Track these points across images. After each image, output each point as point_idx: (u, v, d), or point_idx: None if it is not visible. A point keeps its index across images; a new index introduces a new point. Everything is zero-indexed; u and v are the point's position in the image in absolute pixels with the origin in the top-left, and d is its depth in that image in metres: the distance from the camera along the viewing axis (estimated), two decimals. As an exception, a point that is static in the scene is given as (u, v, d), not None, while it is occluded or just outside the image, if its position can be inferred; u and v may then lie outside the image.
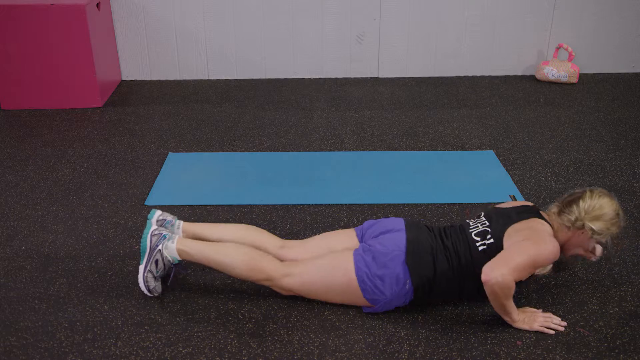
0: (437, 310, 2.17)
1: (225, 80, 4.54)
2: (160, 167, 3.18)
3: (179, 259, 2.18)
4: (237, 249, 2.18)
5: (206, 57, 4.49)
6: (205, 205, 2.82)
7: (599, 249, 2.21)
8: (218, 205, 2.82)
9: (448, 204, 2.83)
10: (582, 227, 2.08)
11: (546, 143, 3.47)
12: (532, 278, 2.22)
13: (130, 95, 4.24)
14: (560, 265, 2.35)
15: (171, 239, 2.18)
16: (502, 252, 2.02)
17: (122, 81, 4.50)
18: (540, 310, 2.15)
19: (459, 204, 2.83)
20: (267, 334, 2.07)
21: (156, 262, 2.17)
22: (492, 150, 3.37)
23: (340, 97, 4.18)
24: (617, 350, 2.00)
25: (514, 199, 2.86)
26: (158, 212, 2.29)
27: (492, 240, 2.08)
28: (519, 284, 2.04)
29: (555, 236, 2.10)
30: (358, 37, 4.47)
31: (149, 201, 2.86)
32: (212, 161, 3.27)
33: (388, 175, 3.12)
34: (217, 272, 2.36)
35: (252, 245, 2.23)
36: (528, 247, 1.99)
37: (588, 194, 2.11)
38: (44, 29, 3.75)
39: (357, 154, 3.36)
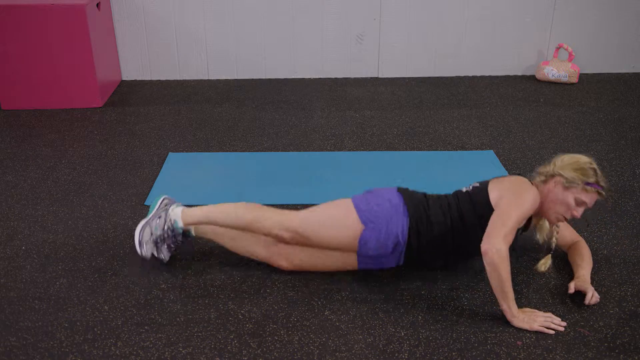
0: (437, 310, 2.17)
1: (226, 80, 4.54)
2: (161, 167, 3.18)
3: (181, 225, 2.30)
4: (237, 206, 2.30)
5: (206, 57, 4.49)
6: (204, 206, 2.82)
7: (579, 204, 2.17)
8: (218, 205, 2.82)
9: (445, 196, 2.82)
10: (555, 175, 2.16)
11: (546, 143, 3.47)
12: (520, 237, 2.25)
13: (131, 95, 4.24)
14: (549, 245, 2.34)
15: (179, 206, 2.34)
16: (490, 221, 2.08)
17: (122, 81, 4.50)
18: (540, 311, 2.15)
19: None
20: (267, 334, 2.07)
21: (159, 217, 2.30)
22: (492, 150, 3.37)
23: (341, 97, 4.18)
24: (617, 350, 2.00)
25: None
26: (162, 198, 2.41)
27: (476, 185, 2.23)
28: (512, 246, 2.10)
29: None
30: (358, 37, 4.47)
31: (149, 201, 2.86)
32: (212, 161, 3.27)
33: (388, 175, 3.12)
34: (216, 272, 2.36)
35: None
36: (511, 205, 2.09)
37: (564, 154, 2.24)
38: (44, 29, 3.75)
39: (357, 154, 3.36)
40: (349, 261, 2.28)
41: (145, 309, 2.18)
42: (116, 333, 2.07)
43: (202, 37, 4.42)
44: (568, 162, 2.19)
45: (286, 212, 2.28)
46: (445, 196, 2.27)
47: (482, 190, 2.20)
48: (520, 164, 3.22)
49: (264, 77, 4.57)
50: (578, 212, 2.18)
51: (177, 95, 4.24)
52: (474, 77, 4.59)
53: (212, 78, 4.56)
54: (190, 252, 2.48)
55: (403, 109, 3.97)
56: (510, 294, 2.05)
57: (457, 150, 3.38)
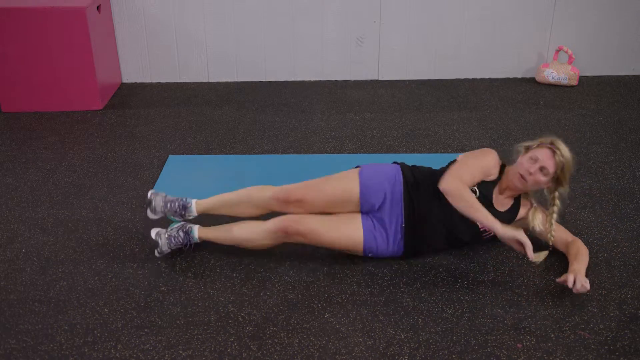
0: (437, 312, 2.17)
1: (226, 82, 4.54)
2: (161, 170, 3.18)
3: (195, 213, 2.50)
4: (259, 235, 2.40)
5: (206, 59, 4.49)
6: (205, 208, 2.82)
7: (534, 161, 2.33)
8: (218, 208, 2.82)
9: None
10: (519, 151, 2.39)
11: (546, 145, 3.47)
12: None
13: (131, 97, 4.24)
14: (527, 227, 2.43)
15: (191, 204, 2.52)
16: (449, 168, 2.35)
17: (123, 83, 4.50)
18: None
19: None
20: (267, 336, 2.07)
21: (172, 201, 2.50)
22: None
23: (341, 100, 4.19)
24: (617, 353, 2.00)
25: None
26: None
27: (444, 166, 2.43)
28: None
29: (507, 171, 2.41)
30: (358, 39, 4.47)
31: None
32: (212, 164, 3.27)
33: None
34: (216, 274, 2.37)
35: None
36: (468, 157, 2.40)
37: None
38: (45, 32, 3.76)
39: (358, 156, 3.36)
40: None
41: (145, 311, 2.18)
42: (116, 336, 2.07)
43: (202, 39, 4.43)
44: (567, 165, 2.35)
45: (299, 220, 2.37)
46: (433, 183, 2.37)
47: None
48: (520, 166, 3.22)
49: (264, 80, 4.57)
50: (532, 167, 2.31)
51: (177, 97, 4.25)
52: (473, 79, 4.59)
53: (212, 80, 4.56)
54: (190, 253, 2.48)
55: (403, 111, 3.97)
56: (484, 211, 2.20)
57: (457, 152, 3.38)
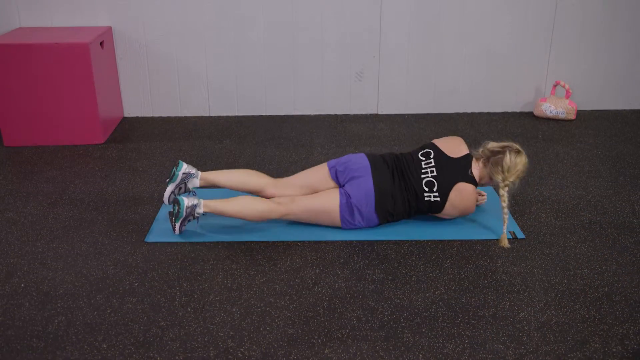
0: (437, 348, 2.15)
1: (226, 116, 4.58)
2: (161, 204, 3.19)
3: (203, 211, 2.83)
4: (243, 203, 2.84)
5: (207, 93, 4.54)
6: (205, 242, 2.82)
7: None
8: (218, 242, 2.82)
9: (448, 241, 2.83)
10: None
11: (545, 179, 3.49)
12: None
13: (132, 131, 4.27)
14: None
15: (196, 176, 2.99)
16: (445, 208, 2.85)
17: (124, 118, 4.54)
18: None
19: (459, 240, 2.83)
20: (266, 373, 2.05)
21: (180, 188, 2.97)
22: (491, 187, 3.38)
23: (341, 134, 4.22)
24: (620, 390, 1.97)
25: (514, 235, 2.86)
26: (184, 165, 2.98)
27: (437, 199, 2.83)
28: None
29: (479, 183, 2.89)
30: (358, 74, 4.53)
31: (149, 238, 2.86)
32: (212, 197, 3.27)
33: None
34: (215, 309, 2.35)
35: (253, 189, 3.00)
36: (461, 208, 2.86)
37: (507, 153, 2.82)
38: (49, 67, 3.80)
39: (357, 190, 3.36)
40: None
41: (144, 347, 2.16)
42: (114, 372, 2.05)
43: (204, 74, 4.48)
44: (512, 169, 2.79)
45: (279, 202, 2.86)
46: (409, 202, 2.86)
47: (439, 205, 2.85)
48: (520, 200, 3.23)
49: (264, 114, 4.61)
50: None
51: (178, 131, 4.28)
52: (472, 113, 4.63)
53: (213, 115, 4.60)
54: (189, 287, 2.48)
55: (403, 145, 3.99)
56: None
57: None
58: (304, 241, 2.83)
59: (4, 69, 3.78)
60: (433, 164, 2.87)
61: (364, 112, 4.63)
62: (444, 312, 2.34)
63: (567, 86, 4.45)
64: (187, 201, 2.79)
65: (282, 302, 2.40)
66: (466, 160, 2.88)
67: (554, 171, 3.60)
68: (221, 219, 3.03)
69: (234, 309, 2.36)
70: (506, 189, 2.79)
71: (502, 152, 2.83)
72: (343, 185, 2.90)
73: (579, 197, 3.27)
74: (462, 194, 2.83)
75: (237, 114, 4.60)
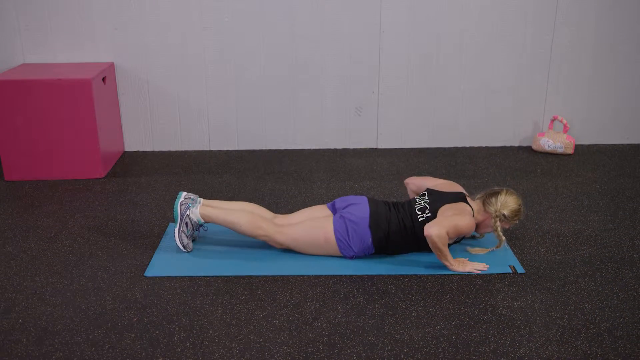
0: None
1: (227, 151, 4.61)
2: (161, 238, 3.19)
3: (203, 221, 2.97)
4: (242, 213, 2.97)
5: (208, 128, 4.58)
6: (204, 277, 2.81)
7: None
8: (217, 277, 2.81)
9: (448, 275, 2.82)
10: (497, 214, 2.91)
11: (544, 213, 3.49)
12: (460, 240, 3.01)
13: (133, 166, 4.29)
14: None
15: (195, 206, 2.97)
16: (437, 217, 2.85)
17: (125, 152, 4.57)
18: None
19: (459, 275, 2.82)
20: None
21: (186, 224, 2.97)
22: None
23: (340, 168, 4.24)
24: None
25: (514, 270, 2.86)
26: (184, 194, 3.02)
27: (429, 215, 2.90)
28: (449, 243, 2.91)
29: (475, 216, 2.93)
30: (357, 109, 4.57)
31: (149, 272, 2.85)
32: (212, 232, 3.27)
33: (388, 246, 3.12)
34: (214, 344, 2.33)
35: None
36: (454, 217, 2.82)
37: (504, 191, 2.96)
38: (51, 102, 3.84)
39: (357, 224, 3.37)
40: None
41: (142, 384, 2.14)
42: (111, 409, 2.02)
43: (204, 108, 4.52)
44: (506, 204, 2.90)
45: (279, 225, 2.95)
46: (404, 224, 2.91)
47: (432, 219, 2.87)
48: (519, 234, 3.23)
49: (264, 148, 4.64)
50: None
51: (178, 165, 4.30)
52: (471, 147, 4.66)
53: (213, 149, 4.63)
54: (188, 323, 2.46)
55: (402, 179, 4.00)
56: (448, 256, 2.83)
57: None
58: (303, 275, 2.82)
59: (7, 104, 3.82)
60: (426, 196, 3.01)
61: (363, 147, 4.66)
62: (445, 348, 2.32)
63: (564, 121, 4.49)
64: (181, 198, 2.98)
65: (282, 338, 2.38)
66: (461, 194, 3.01)
67: (553, 205, 3.61)
68: (220, 252, 3.03)
69: (233, 345, 2.34)
70: (497, 220, 2.90)
71: (498, 191, 2.98)
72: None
73: (579, 232, 3.27)
74: (453, 206, 2.90)
75: (237, 149, 4.63)
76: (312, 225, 2.93)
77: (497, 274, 2.83)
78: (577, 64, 4.52)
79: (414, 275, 2.83)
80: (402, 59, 4.46)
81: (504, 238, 2.91)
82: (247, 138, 4.62)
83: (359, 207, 2.93)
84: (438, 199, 2.95)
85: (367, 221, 2.88)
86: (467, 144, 4.69)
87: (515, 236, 3.21)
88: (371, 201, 2.98)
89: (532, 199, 3.69)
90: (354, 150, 4.62)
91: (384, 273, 2.84)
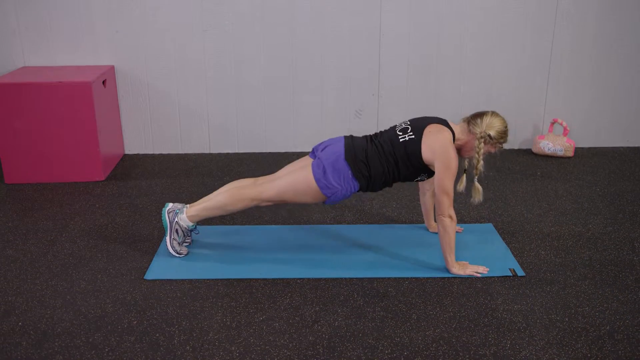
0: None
1: (227, 153, 4.61)
2: (161, 241, 3.19)
3: (191, 223, 2.97)
4: (220, 193, 2.96)
5: (208, 131, 4.58)
6: (204, 280, 2.81)
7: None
8: (217, 280, 2.81)
9: (448, 278, 2.82)
10: (483, 134, 2.81)
11: (545, 216, 3.49)
12: None
13: (133, 168, 4.29)
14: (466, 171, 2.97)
15: (181, 212, 2.97)
16: (436, 195, 2.79)
17: (125, 155, 4.57)
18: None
19: (459, 277, 2.82)
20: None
21: (176, 231, 2.98)
22: (491, 224, 3.39)
23: (340, 171, 4.23)
24: None
25: (514, 273, 2.86)
26: (170, 204, 3.02)
27: (412, 136, 2.82)
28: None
29: (458, 138, 2.86)
30: (357, 111, 4.57)
31: (149, 275, 2.85)
32: (212, 234, 3.27)
33: (388, 248, 3.12)
34: (215, 347, 2.33)
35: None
36: (445, 173, 2.75)
37: (489, 112, 2.87)
38: (51, 105, 3.85)
39: (357, 227, 3.37)
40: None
41: (142, 387, 2.14)
42: (111, 413, 2.02)
43: (205, 112, 4.53)
44: (492, 125, 2.81)
45: (260, 184, 2.92)
46: (382, 147, 2.83)
47: (415, 144, 2.80)
48: (519, 237, 3.23)
49: (264, 151, 4.64)
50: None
51: (178, 168, 4.30)
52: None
53: (214, 152, 4.63)
54: (188, 325, 2.46)
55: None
56: (454, 249, 2.81)
57: (456, 223, 3.39)
58: (303, 278, 2.82)
59: (7, 108, 3.82)
60: (407, 121, 2.94)
61: (363, 149, 4.66)
62: (445, 351, 2.32)
63: (564, 124, 4.49)
64: (168, 207, 2.99)
65: (282, 341, 2.38)
66: (444, 120, 2.93)
67: (553, 208, 3.61)
68: (220, 255, 3.03)
69: (233, 348, 2.34)
70: (482, 140, 2.81)
71: (483, 112, 2.89)
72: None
73: (579, 234, 3.27)
74: (437, 133, 2.80)
75: (237, 151, 4.63)
76: (293, 175, 2.88)
77: (497, 276, 2.83)
78: (577, 66, 4.53)
79: (414, 278, 2.83)
80: (402, 61, 4.46)
81: (482, 163, 2.83)
82: (247, 141, 4.62)
83: (335, 146, 2.88)
84: (420, 121, 2.89)
85: (342, 155, 2.81)
86: (467, 146, 4.68)
87: (515, 239, 3.21)
88: (347, 137, 2.93)
89: (532, 201, 3.69)
90: (354, 153, 4.61)
91: (383, 276, 2.84)
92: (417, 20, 4.38)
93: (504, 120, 2.88)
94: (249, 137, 4.61)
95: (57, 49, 4.32)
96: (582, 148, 4.68)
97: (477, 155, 2.83)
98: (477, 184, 2.91)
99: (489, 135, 2.81)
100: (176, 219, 2.96)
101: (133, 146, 4.59)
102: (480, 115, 2.87)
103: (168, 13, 4.29)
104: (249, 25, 4.34)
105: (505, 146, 4.68)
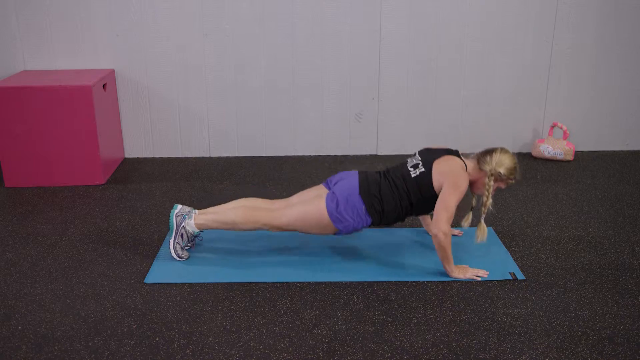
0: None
1: (227, 157, 4.61)
2: (161, 245, 3.19)
3: (198, 230, 2.95)
4: (232, 208, 2.94)
5: (208, 135, 4.58)
6: (205, 283, 2.81)
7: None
8: (217, 283, 2.81)
9: (448, 282, 2.82)
10: (492, 172, 2.83)
11: (545, 220, 3.49)
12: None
13: (133, 172, 4.29)
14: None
15: (190, 217, 2.94)
16: (436, 207, 2.77)
17: (125, 158, 4.57)
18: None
19: (459, 281, 2.82)
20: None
21: (181, 235, 2.96)
22: (491, 227, 3.38)
23: (340, 174, 4.23)
24: None
25: (514, 277, 2.86)
26: (180, 206, 2.99)
27: (423, 170, 2.85)
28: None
29: (468, 172, 2.87)
30: (357, 115, 4.57)
31: (149, 279, 2.85)
32: (212, 238, 3.27)
33: (388, 252, 3.12)
34: (214, 351, 2.33)
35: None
36: (451, 193, 2.75)
37: (499, 149, 2.89)
38: (52, 109, 3.85)
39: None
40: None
41: (142, 391, 2.13)
42: (111, 417, 2.02)
43: (205, 115, 4.53)
44: (502, 162, 2.83)
45: (273, 211, 2.91)
46: (395, 183, 2.86)
47: (426, 176, 2.83)
48: (520, 240, 3.23)
49: (264, 155, 4.65)
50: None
51: (178, 172, 4.30)
52: (471, 154, 4.65)
53: (213, 155, 4.63)
54: (188, 330, 2.46)
55: (402, 186, 4.01)
56: (451, 259, 2.81)
57: (456, 227, 3.39)
58: (303, 282, 2.82)
59: (8, 111, 3.82)
60: (417, 155, 2.97)
61: (363, 153, 4.66)
62: (445, 355, 2.32)
63: (564, 127, 4.50)
64: (177, 209, 2.97)
65: (282, 345, 2.38)
66: (454, 150, 2.97)
67: (553, 212, 3.61)
68: (220, 258, 3.03)
69: (233, 352, 2.34)
70: (492, 178, 2.83)
71: (492, 149, 2.91)
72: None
73: (579, 238, 3.27)
74: (447, 161, 2.84)
75: (237, 155, 4.64)
76: (307, 205, 2.88)
77: (497, 280, 2.83)
78: (577, 70, 4.53)
79: (414, 281, 2.83)
80: (402, 65, 4.47)
81: (491, 201, 2.85)
82: (247, 145, 4.62)
83: (349, 180, 2.90)
84: (430, 154, 2.91)
85: (356, 190, 2.84)
86: (467, 150, 4.68)
87: (515, 243, 3.21)
88: (361, 172, 2.95)
89: (532, 205, 3.69)
90: (354, 156, 4.62)
91: (384, 279, 2.84)
92: (417, 24, 4.38)
93: (513, 157, 2.89)
94: (249, 141, 4.61)
95: (57, 52, 4.33)
96: (582, 152, 4.69)
97: (486, 193, 2.85)
98: (483, 224, 2.91)
99: (499, 173, 2.82)
100: (183, 224, 2.94)
101: (133, 150, 4.59)
102: (489, 152, 2.88)
103: (168, 17, 4.29)
104: (249, 30, 4.35)
105: (505, 150, 4.68)
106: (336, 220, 2.83)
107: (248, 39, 4.37)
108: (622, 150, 4.73)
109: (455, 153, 2.93)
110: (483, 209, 2.86)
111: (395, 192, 2.84)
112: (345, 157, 4.59)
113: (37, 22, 4.26)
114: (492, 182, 2.83)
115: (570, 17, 4.41)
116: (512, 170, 2.85)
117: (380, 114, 4.58)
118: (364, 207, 2.83)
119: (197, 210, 3.00)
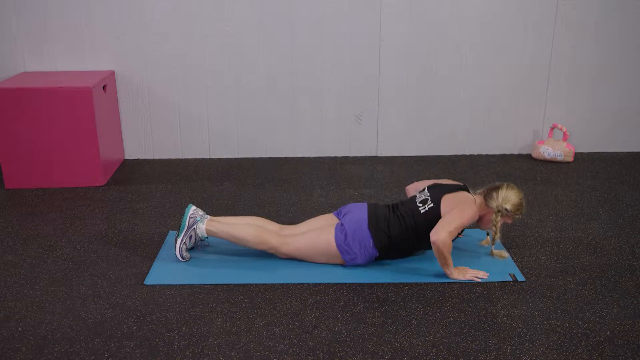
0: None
1: (227, 159, 4.61)
2: (161, 246, 3.19)
3: (206, 235, 2.98)
4: (248, 227, 2.97)
5: (208, 136, 4.58)
6: (205, 285, 2.81)
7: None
8: (217, 285, 2.81)
9: (448, 283, 2.82)
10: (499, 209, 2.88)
11: (544, 221, 3.49)
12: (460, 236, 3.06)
13: (133, 173, 4.29)
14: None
15: (202, 221, 2.98)
16: (440, 220, 2.80)
17: (125, 160, 4.57)
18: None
19: (459, 283, 2.82)
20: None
21: (190, 237, 2.99)
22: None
23: (340, 175, 4.24)
24: None
25: (514, 278, 2.86)
26: (194, 207, 3.02)
27: (432, 205, 2.88)
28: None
29: (477, 208, 2.90)
30: (357, 117, 4.58)
31: (148, 280, 2.85)
32: (211, 240, 3.27)
33: (388, 253, 3.12)
34: (214, 353, 2.33)
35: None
36: (457, 215, 2.79)
37: (505, 185, 2.93)
38: (51, 111, 3.85)
39: (357, 232, 3.37)
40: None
41: (142, 392, 2.13)
42: (111, 418, 2.02)
43: (204, 117, 4.53)
44: (508, 198, 2.87)
45: (283, 235, 2.97)
46: (403, 219, 2.90)
47: (435, 210, 2.87)
48: (520, 242, 3.23)
49: (264, 156, 4.65)
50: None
51: (178, 173, 4.30)
52: (470, 155, 4.66)
53: (213, 157, 4.63)
54: (187, 331, 2.46)
55: (402, 187, 4.01)
56: (450, 263, 2.81)
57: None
58: (303, 283, 2.82)
59: (8, 113, 3.82)
60: (427, 190, 3.01)
61: (363, 154, 4.66)
62: (445, 356, 2.32)
63: (564, 129, 4.50)
64: (191, 211, 2.99)
65: (282, 346, 2.38)
66: (463, 185, 3.04)
67: (553, 213, 3.61)
68: (220, 260, 3.03)
69: (232, 353, 2.33)
70: (499, 215, 2.88)
71: (499, 185, 2.95)
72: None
73: (579, 239, 3.27)
74: (457, 194, 2.91)
75: (237, 157, 4.64)
76: (316, 235, 2.93)
77: (497, 282, 2.83)
78: (577, 72, 4.54)
79: (414, 283, 2.83)
80: (402, 67, 4.47)
81: (499, 234, 2.91)
82: (247, 146, 4.62)
83: (358, 212, 2.94)
84: (439, 190, 2.95)
85: (365, 223, 2.87)
86: (467, 151, 4.69)
87: (515, 244, 3.21)
88: (370, 205, 2.99)
89: (532, 206, 3.69)
90: (354, 158, 4.62)
91: (383, 281, 2.84)
92: (417, 26, 4.39)
93: (519, 193, 2.93)
94: (249, 143, 4.61)
95: (57, 54, 4.33)
96: (582, 153, 4.69)
97: (494, 228, 2.90)
98: (494, 251, 3.04)
99: (506, 209, 2.87)
100: (194, 226, 2.97)
101: (133, 151, 4.59)
102: (495, 189, 2.93)
103: (168, 19, 4.30)
104: (249, 31, 4.35)
105: (505, 151, 4.69)
106: (344, 252, 2.88)
107: (248, 41, 4.37)
108: (622, 152, 4.73)
109: (464, 188, 2.99)
110: (492, 243, 2.99)
111: (403, 227, 2.88)
112: (345, 159, 4.59)
113: (37, 23, 4.26)
114: (499, 218, 2.89)
115: (570, 18, 4.41)
116: (518, 207, 2.90)
117: (380, 116, 4.58)
118: (371, 241, 2.87)
119: (209, 217, 3.02)
